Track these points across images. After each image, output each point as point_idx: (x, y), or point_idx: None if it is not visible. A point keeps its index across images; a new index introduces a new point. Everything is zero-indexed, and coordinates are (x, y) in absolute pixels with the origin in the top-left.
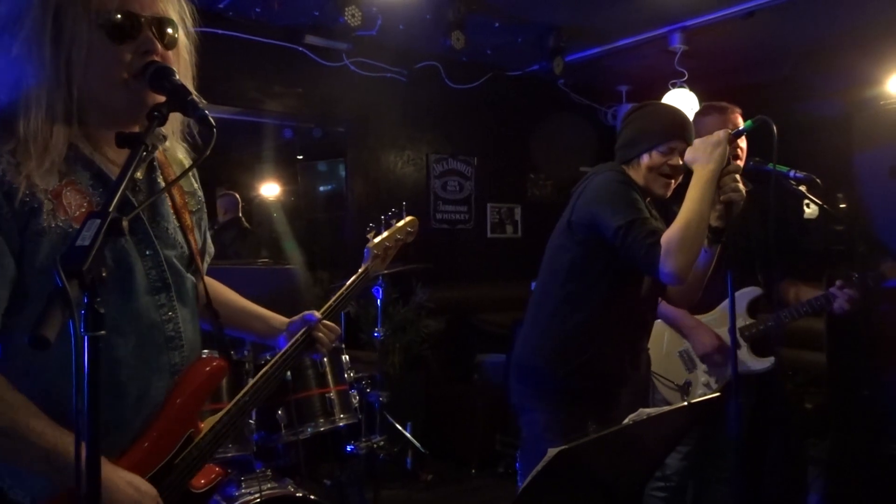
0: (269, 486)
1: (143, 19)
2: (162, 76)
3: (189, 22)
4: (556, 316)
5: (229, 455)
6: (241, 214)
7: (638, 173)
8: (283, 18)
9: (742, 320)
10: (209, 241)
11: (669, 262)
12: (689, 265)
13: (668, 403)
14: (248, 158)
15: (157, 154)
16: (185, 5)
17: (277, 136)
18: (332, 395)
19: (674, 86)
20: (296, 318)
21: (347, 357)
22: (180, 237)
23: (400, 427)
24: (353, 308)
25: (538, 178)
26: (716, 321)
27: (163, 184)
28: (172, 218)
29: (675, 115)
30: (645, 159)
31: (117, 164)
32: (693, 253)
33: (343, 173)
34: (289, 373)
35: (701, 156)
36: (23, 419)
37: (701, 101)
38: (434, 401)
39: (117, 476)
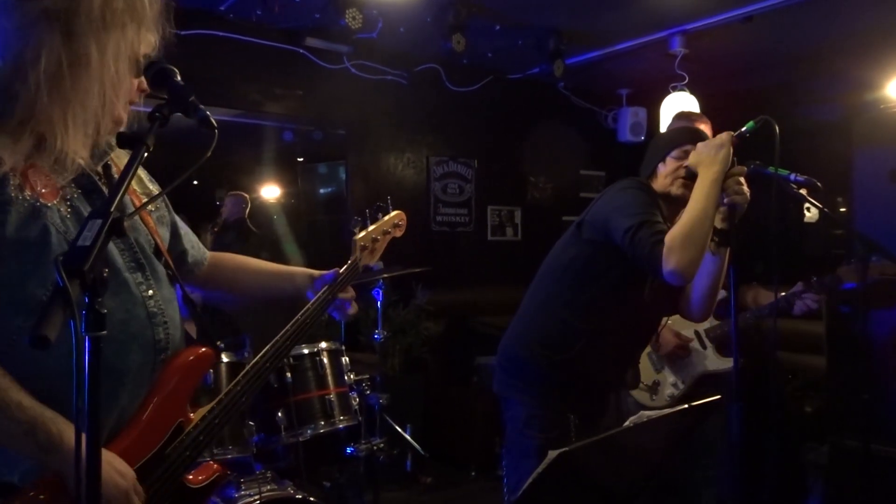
0: (268, 488)
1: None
2: (164, 77)
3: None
4: (544, 309)
5: (229, 457)
6: (246, 216)
7: (657, 183)
8: (284, 21)
9: (707, 322)
10: (185, 241)
11: (672, 258)
12: (692, 262)
13: (638, 403)
14: (249, 161)
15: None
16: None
17: (278, 138)
18: (332, 396)
19: (674, 89)
20: (320, 273)
21: (347, 359)
22: (147, 233)
23: (399, 429)
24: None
25: (538, 181)
26: (679, 321)
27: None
28: (137, 217)
29: (684, 126)
30: (661, 168)
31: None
32: (697, 250)
33: (343, 176)
34: (289, 374)
35: (705, 158)
36: (3, 392)
37: (701, 104)
38: (434, 403)
39: (106, 460)
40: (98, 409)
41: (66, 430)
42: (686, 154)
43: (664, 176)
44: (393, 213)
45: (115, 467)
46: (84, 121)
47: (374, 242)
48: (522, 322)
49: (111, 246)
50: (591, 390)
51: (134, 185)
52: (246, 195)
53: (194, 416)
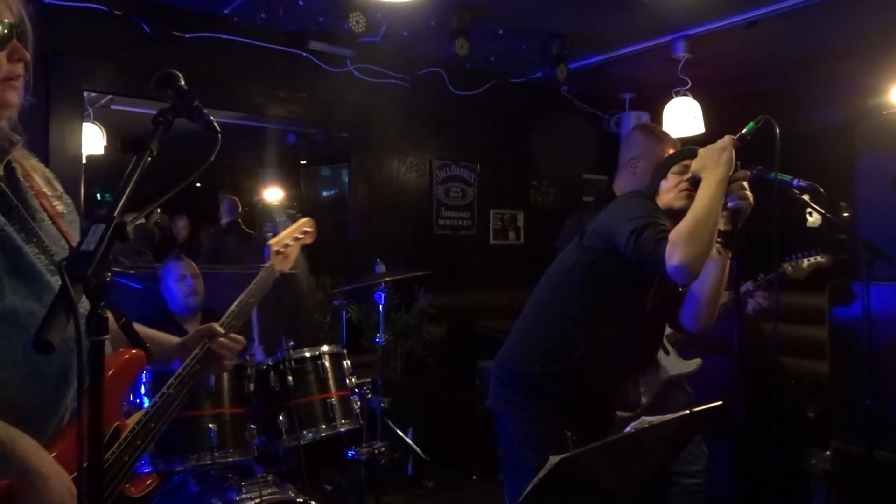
0: (269, 491)
1: (13, 29)
2: (167, 81)
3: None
4: (541, 318)
5: (230, 460)
6: (239, 219)
7: (661, 199)
8: (288, 24)
9: (667, 328)
10: None
11: (677, 253)
12: (697, 257)
13: None
14: (252, 163)
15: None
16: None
17: (281, 141)
18: (334, 400)
19: (677, 94)
20: (189, 335)
21: (349, 362)
22: (61, 238)
23: (401, 433)
24: (354, 313)
25: (541, 184)
26: None
27: (25, 182)
28: (48, 220)
29: (684, 147)
30: (663, 184)
31: None
32: (703, 245)
33: (346, 179)
34: (291, 378)
35: (709, 162)
36: None
37: (704, 109)
38: (435, 407)
39: (56, 471)
40: (100, 411)
41: (17, 437)
42: (686, 169)
43: (667, 191)
44: (302, 220)
45: (70, 490)
46: None
47: (287, 247)
48: (519, 332)
49: (26, 251)
50: (588, 405)
51: (43, 186)
52: (235, 198)
53: (129, 422)
